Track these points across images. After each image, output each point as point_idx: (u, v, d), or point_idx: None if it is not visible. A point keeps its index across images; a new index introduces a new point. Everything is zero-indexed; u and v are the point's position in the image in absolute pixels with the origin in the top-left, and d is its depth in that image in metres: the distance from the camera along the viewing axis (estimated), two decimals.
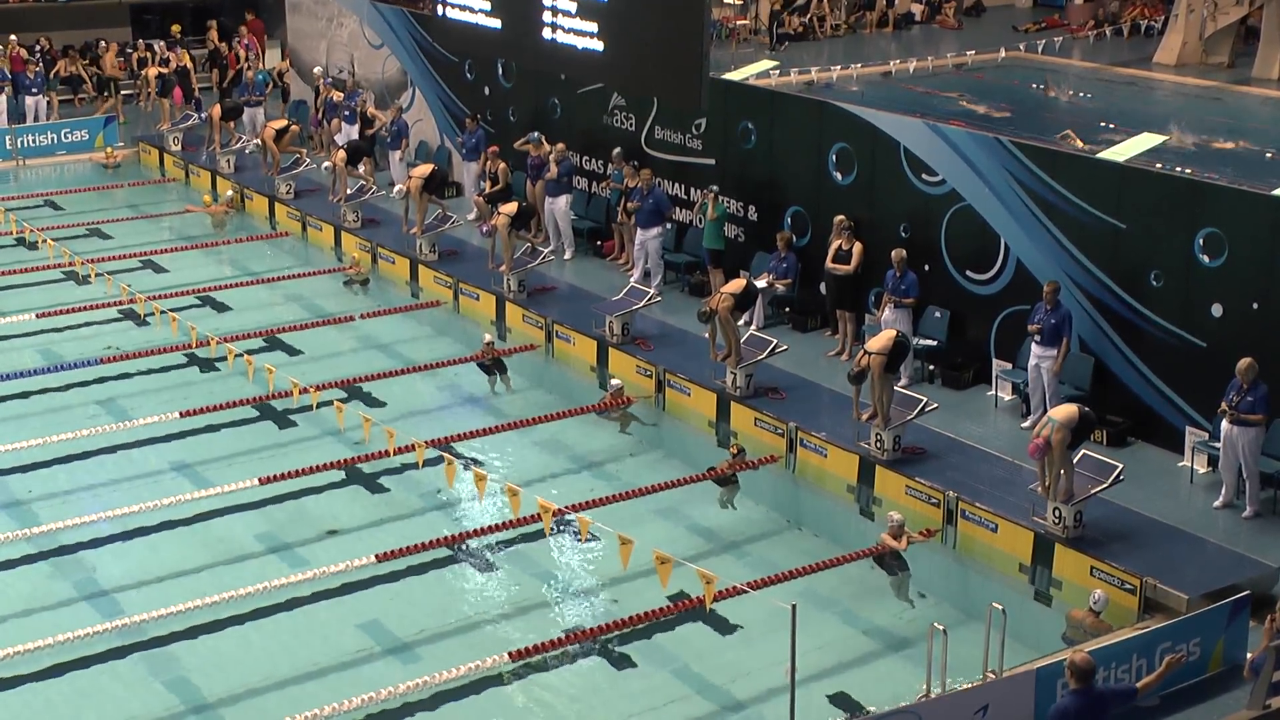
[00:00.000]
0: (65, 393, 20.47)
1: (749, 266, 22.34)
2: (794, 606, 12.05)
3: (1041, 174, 18.50)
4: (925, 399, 17.62)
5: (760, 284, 21.26)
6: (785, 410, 18.55)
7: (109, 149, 32.61)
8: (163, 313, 21.21)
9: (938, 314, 19.79)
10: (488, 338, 21.40)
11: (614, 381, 19.74)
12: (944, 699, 12.41)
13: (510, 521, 16.15)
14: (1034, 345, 17.73)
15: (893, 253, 19.55)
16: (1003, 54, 26.76)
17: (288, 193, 28.57)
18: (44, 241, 24.89)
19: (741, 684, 13.79)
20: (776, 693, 13.01)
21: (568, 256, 24.74)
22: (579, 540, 15.51)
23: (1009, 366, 18.80)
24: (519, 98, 27.20)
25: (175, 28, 37.56)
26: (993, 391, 18.68)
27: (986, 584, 15.23)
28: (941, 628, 12.75)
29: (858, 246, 20.24)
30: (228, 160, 30.50)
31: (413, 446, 16.91)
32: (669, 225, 23.21)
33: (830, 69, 25.13)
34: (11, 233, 25.96)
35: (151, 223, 27.89)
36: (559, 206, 24.77)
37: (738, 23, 28.63)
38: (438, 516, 17.07)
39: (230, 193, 29.52)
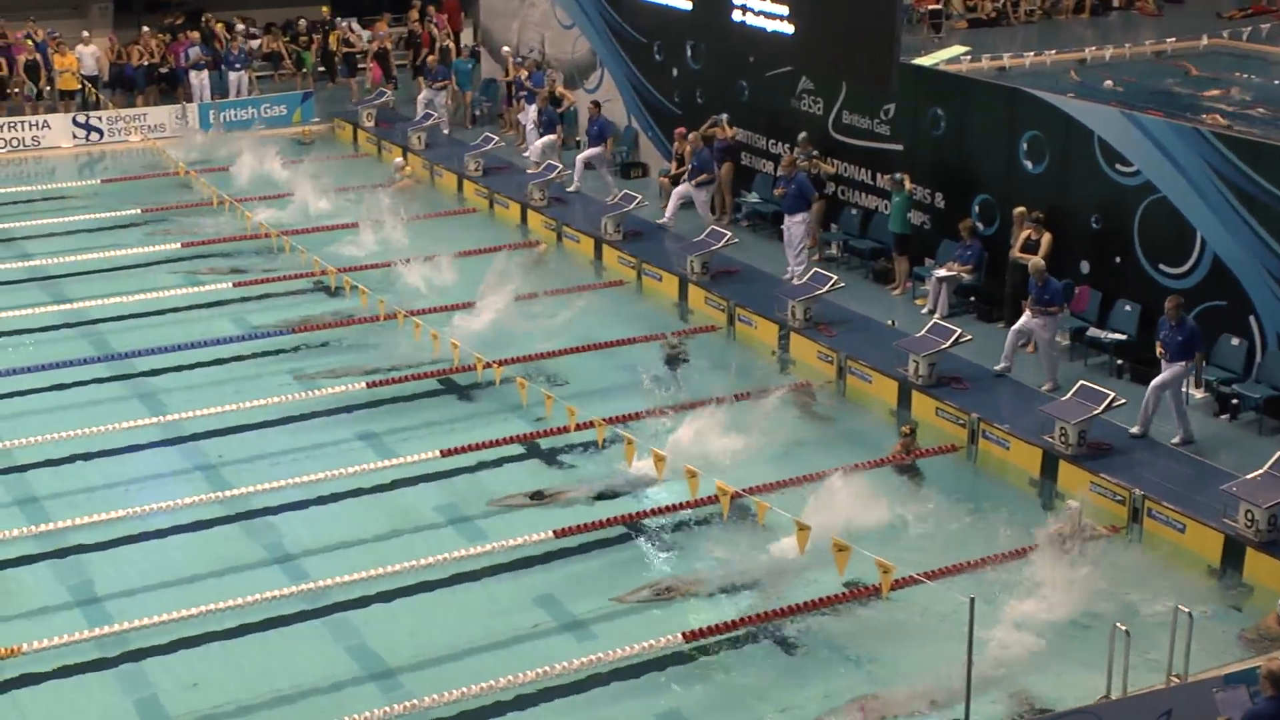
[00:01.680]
0: (257, 360, 20.95)
1: (934, 254, 22.06)
2: (972, 600, 11.83)
3: (1243, 166, 17.92)
4: (1113, 394, 17.21)
5: (944, 272, 20.99)
6: (968, 401, 18.27)
7: (305, 126, 33.35)
8: (353, 286, 21.59)
9: (1128, 308, 19.30)
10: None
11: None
12: (1125, 701, 12.11)
13: (688, 502, 16.14)
14: (1163, 364, 17.23)
15: (1030, 261, 19.17)
16: (1205, 41, 25.97)
17: (476, 170, 28.91)
18: (242, 214, 25.53)
19: (916, 677, 13.59)
20: (951, 688, 12.80)
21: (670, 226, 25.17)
22: (756, 524, 15.43)
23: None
24: (707, 80, 27.15)
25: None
26: (1184, 389, 18.18)
27: (1171, 585, 14.81)
28: (1124, 628, 12.44)
29: (1047, 237, 19.82)
30: (418, 137, 30.97)
31: (593, 424, 16.98)
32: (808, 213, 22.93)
33: (1023, 55, 24.63)
34: (212, 203, 26.63)
35: (342, 196, 28.41)
36: (699, 197, 24.85)
37: (928, 7, 28.20)
38: (614, 494, 17.09)
39: (399, 160, 30.05)
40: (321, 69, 36.29)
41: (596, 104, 28.54)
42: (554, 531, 15.92)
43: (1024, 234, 20.00)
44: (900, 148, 22.91)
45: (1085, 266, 20.05)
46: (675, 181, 25.58)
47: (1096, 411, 16.92)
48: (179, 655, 14.01)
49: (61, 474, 17.57)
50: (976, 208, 21.63)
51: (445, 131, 31.90)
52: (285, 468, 17.66)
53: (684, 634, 14.04)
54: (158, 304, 22.89)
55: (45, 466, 17.70)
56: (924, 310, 21.16)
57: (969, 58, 23.55)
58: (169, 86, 34.68)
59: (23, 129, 32.32)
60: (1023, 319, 18.96)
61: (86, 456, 17.93)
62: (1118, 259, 19.49)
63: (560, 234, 25.90)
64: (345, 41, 36.43)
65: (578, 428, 17.37)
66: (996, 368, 19.13)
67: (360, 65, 36.04)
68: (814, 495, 15.91)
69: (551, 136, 28.94)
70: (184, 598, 14.74)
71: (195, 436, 18.51)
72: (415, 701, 13.02)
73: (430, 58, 33.70)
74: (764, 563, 15.45)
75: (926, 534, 15.94)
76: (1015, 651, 13.79)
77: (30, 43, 33.58)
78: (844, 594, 14.62)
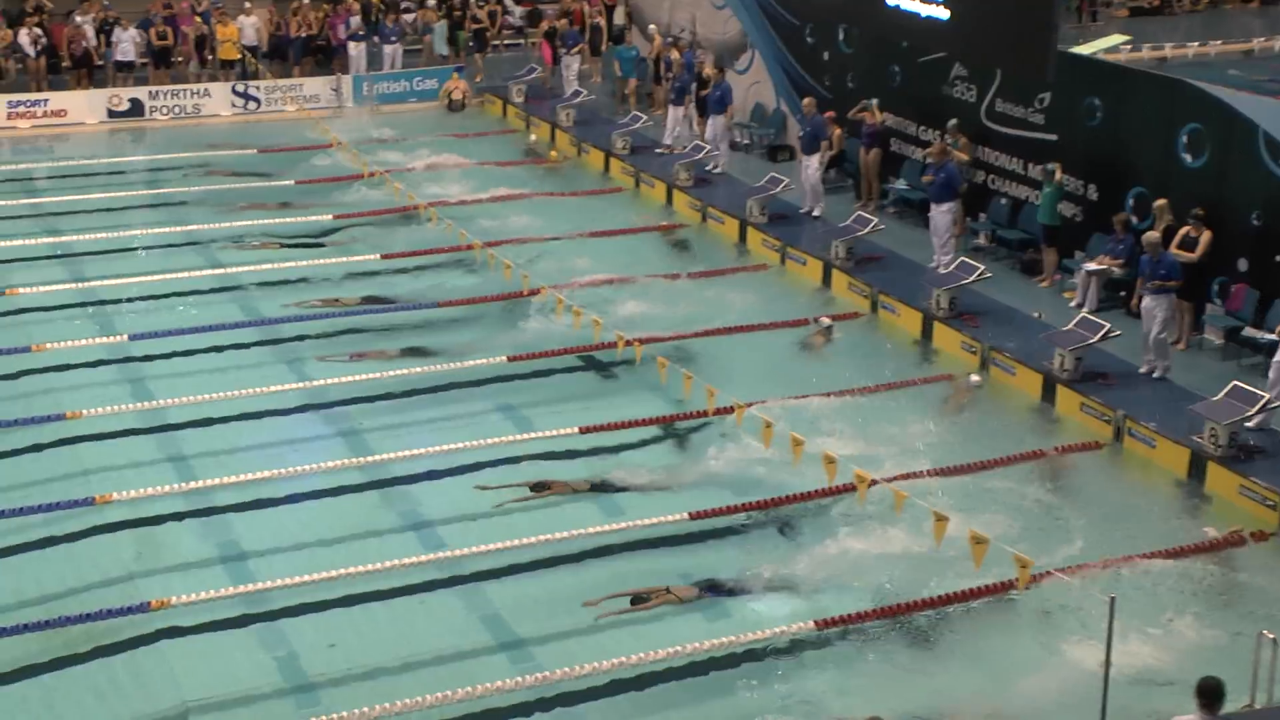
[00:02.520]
0: (398, 332, 21.16)
1: (1084, 246, 21.63)
2: (1112, 600, 11.56)
3: None
4: (1267, 395, 16.75)
5: (1094, 266, 20.58)
6: (1114, 397, 17.90)
7: (461, 88, 33.59)
8: (496, 260, 21.72)
9: None
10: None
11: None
12: (1270, 711, 11.78)
13: (825, 490, 15.97)
14: None
15: (1144, 236, 18.74)
16: None
17: (623, 148, 28.93)
18: (391, 184, 25.82)
19: (1050, 675, 13.33)
20: (1087, 689, 12.53)
21: (816, 213, 24.66)
22: (892, 514, 15.23)
23: None
24: (858, 64, 26.87)
25: None
26: None
27: None
28: (1271, 636, 12.09)
29: (1206, 234, 19.34)
30: (567, 114, 31.06)
31: (732, 408, 16.90)
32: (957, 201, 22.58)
33: (1186, 45, 24.03)
34: (362, 174, 26.96)
35: (489, 170, 28.59)
36: (810, 165, 24.62)
37: None
38: (751, 479, 16.98)
39: (534, 137, 30.19)
40: (471, 44, 36.56)
41: (720, 69, 28.46)
42: (689, 514, 15.87)
43: (1182, 230, 19.51)
44: (1054, 138, 22.46)
45: (1243, 264, 19.52)
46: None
47: (1249, 413, 16.48)
48: (318, 616, 14.20)
49: (210, 434, 17.90)
50: (1130, 201, 21.15)
51: (574, 95, 31.89)
52: (424, 436, 17.79)
53: (815, 622, 13.93)
54: (306, 271, 23.24)
55: (196, 426, 18.05)
56: (1072, 304, 20.76)
57: (1128, 47, 23.10)
58: (324, 58, 35.16)
59: (185, 96, 33.02)
60: (1143, 301, 18.60)
61: (235, 418, 18.26)
62: (1278, 257, 18.94)
63: (705, 214, 25.82)
64: (493, 16, 36.72)
65: (716, 411, 17.31)
66: (1141, 369, 18.72)
67: (494, 42, 36.28)
68: (952, 487, 15.68)
69: (718, 117, 28.78)
70: (323, 560, 14.93)
71: (338, 403, 18.74)
72: (546, 674, 13.07)
73: (560, 22, 33.84)
74: (898, 553, 15.27)
75: (1064, 530, 15.64)
76: (1153, 653, 13.47)
77: (197, 16, 34.32)
78: (980, 588, 14.37)
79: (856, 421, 17.83)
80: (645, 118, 29.95)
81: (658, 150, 28.62)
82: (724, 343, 20.73)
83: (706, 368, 19.53)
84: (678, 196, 26.72)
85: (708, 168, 27.29)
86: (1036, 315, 20.45)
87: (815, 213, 24.93)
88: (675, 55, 30.66)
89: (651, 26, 32.92)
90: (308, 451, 17.42)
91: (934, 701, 13.08)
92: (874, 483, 14.87)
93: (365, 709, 12.46)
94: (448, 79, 34.23)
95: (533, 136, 31.54)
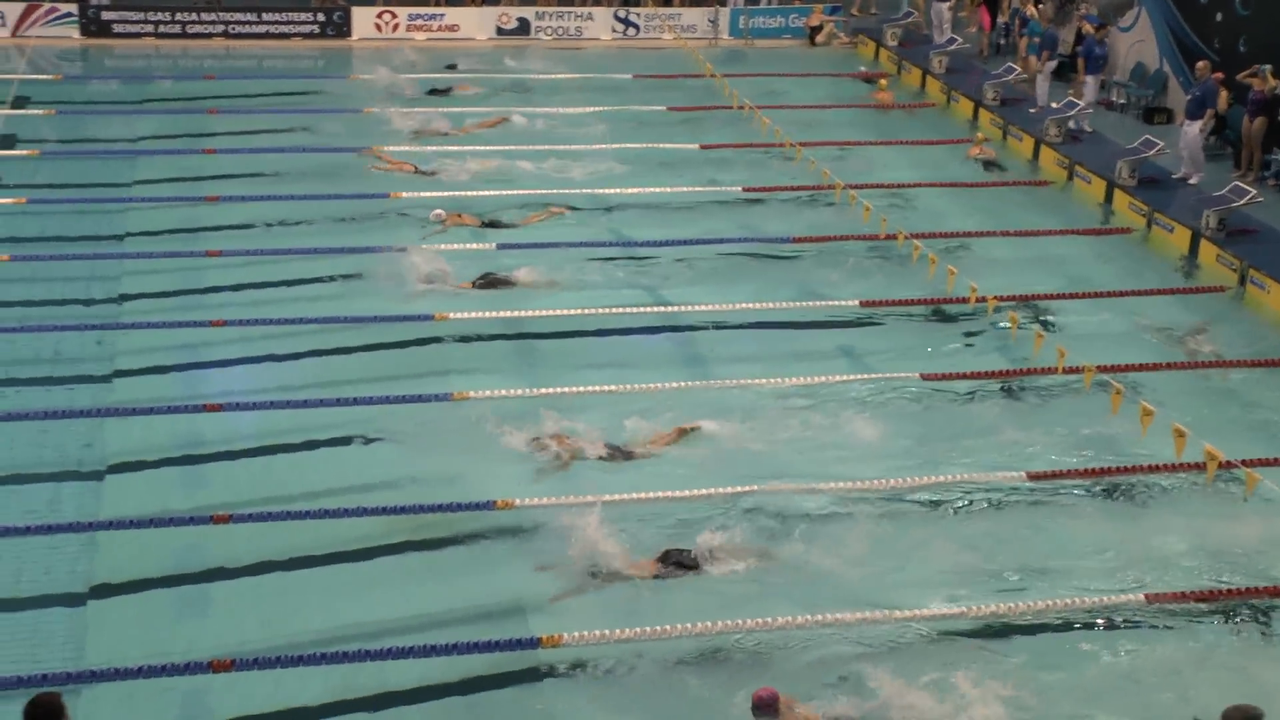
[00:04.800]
0: (758, 260, 21.19)
1: None
2: None
3: None
4: None
5: None
6: None
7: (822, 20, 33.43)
8: (858, 202, 21.56)
9: None
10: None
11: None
12: None
13: (1170, 465, 15.34)
14: None
15: None
16: None
17: (993, 99, 28.28)
18: (760, 120, 25.88)
19: None
20: None
21: (1193, 180, 23.62)
22: (1242, 496, 14.55)
23: None
24: (1254, 27, 25.47)
25: None
26: None
27: None
28: None
29: None
30: (939, 60, 30.52)
31: (1081, 369, 16.40)
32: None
33: None
34: (732, 107, 27.10)
35: (856, 113, 28.38)
36: (1192, 131, 23.64)
37: None
38: (1093, 445, 16.43)
39: (883, 81, 29.97)
40: None
41: (1102, 25, 27.42)
42: (1026, 474, 15.49)
43: None
44: None
45: None
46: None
47: None
48: None
49: (562, 345, 18.31)
50: None
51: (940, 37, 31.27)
52: (763, 366, 17.78)
53: (1146, 595, 13.45)
54: (672, 198, 23.54)
55: (551, 338, 18.50)
56: None
57: None
58: None
59: (568, 19, 33.78)
60: None
61: (589, 333, 18.63)
62: None
63: (1071, 172, 25.03)
64: None
65: (1065, 370, 16.82)
66: None
67: None
68: None
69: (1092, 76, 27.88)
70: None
71: (689, 327, 18.93)
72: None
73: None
74: (1241, 539, 14.55)
75: None
76: None
77: None
78: None
79: (1212, 397, 17.02)
80: (1018, 69, 29.16)
81: (1030, 110, 27.82)
82: (1079, 305, 20.10)
83: (1057, 328, 19.01)
84: (1045, 152, 25.97)
85: (1073, 125, 26.43)
86: None
87: (1192, 180, 23.86)
88: (1032, 12, 29.66)
89: None
90: (653, 370, 17.57)
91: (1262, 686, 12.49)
92: (1226, 464, 14.23)
93: None
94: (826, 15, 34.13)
95: (862, 67, 31.95)
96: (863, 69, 31.99)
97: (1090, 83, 26.89)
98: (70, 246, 20.44)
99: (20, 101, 26.33)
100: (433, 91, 28.80)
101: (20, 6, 31.55)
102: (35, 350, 17.53)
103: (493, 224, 21.88)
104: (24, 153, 24.17)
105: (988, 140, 26.71)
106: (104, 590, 13.08)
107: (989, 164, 25.80)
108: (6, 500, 14.35)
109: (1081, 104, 26.61)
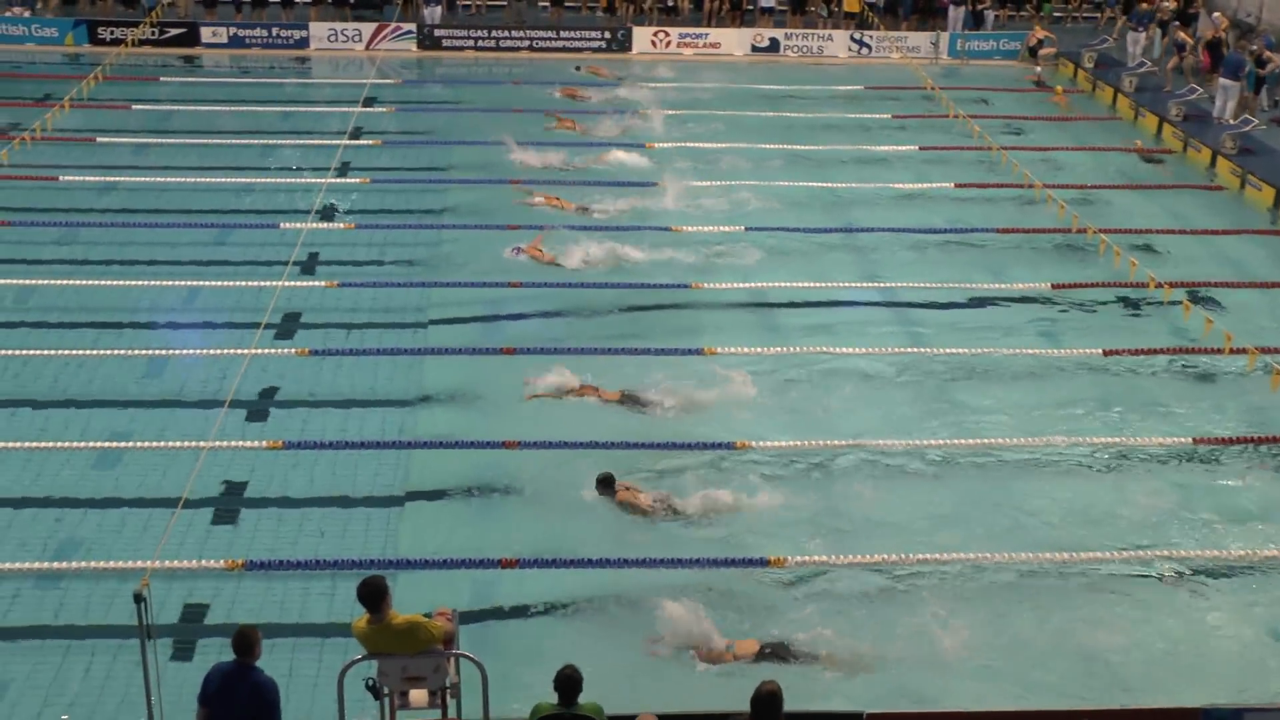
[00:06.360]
0: (960, 249, 20.50)
1: None
2: None
3: None
4: None
5: None
6: None
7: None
8: (1054, 200, 20.73)
9: None
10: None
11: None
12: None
13: None
14: None
15: None
16: None
17: (1177, 115, 26.82)
18: (970, 126, 25.08)
19: None
20: None
21: None
22: None
23: None
24: None
25: None
26: None
27: None
28: None
29: None
30: (1130, 80, 29.08)
31: (1245, 350, 15.48)
32: None
33: None
34: (948, 116, 26.36)
35: (1050, 125, 27.32)
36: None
37: None
38: (1254, 419, 15.52)
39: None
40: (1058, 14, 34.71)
41: (1245, 33, 25.65)
42: (1193, 439, 14.70)
43: None
44: None
45: None
46: None
47: None
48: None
49: (800, 314, 18.01)
50: None
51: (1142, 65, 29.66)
52: (967, 338, 17.28)
53: None
54: (891, 193, 22.98)
55: (790, 307, 18.22)
56: None
57: None
58: (928, 16, 34.38)
59: (811, 39, 33.25)
60: None
61: (824, 304, 18.27)
62: None
63: (1244, 181, 23.58)
64: None
65: (1231, 351, 15.90)
66: None
67: (1074, 14, 34.21)
68: None
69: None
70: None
71: (905, 304, 18.43)
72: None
73: (1144, 4, 31.52)
74: None
75: None
76: None
77: None
78: None
79: None
80: (1200, 89, 27.58)
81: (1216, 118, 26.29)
82: (1246, 294, 18.96)
83: (1227, 315, 17.99)
84: (1221, 163, 24.52)
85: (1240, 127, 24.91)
86: None
87: None
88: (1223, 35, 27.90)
89: (1216, 14, 30.12)
90: (864, 337, 17.22)
91: None
92: None
93: None
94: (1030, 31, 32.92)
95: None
96: (1044, 80, 30.68)
97: (1264, 99, 25.24)
98: (402, 219, 20.99)
99: (369, 101, 27.11)
100: None
101: (372, 26, 32.50)
102: (371, 300, 18.05)
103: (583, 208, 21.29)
104: (369, 142, 24.87)
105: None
106: (415, 495, 13.42)
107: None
108: (345, 421, 14.84)
109: (1256, 120, 25.04)
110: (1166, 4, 31.75)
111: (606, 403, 15.10)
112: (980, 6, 33.62)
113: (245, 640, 8.81)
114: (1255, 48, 27.10)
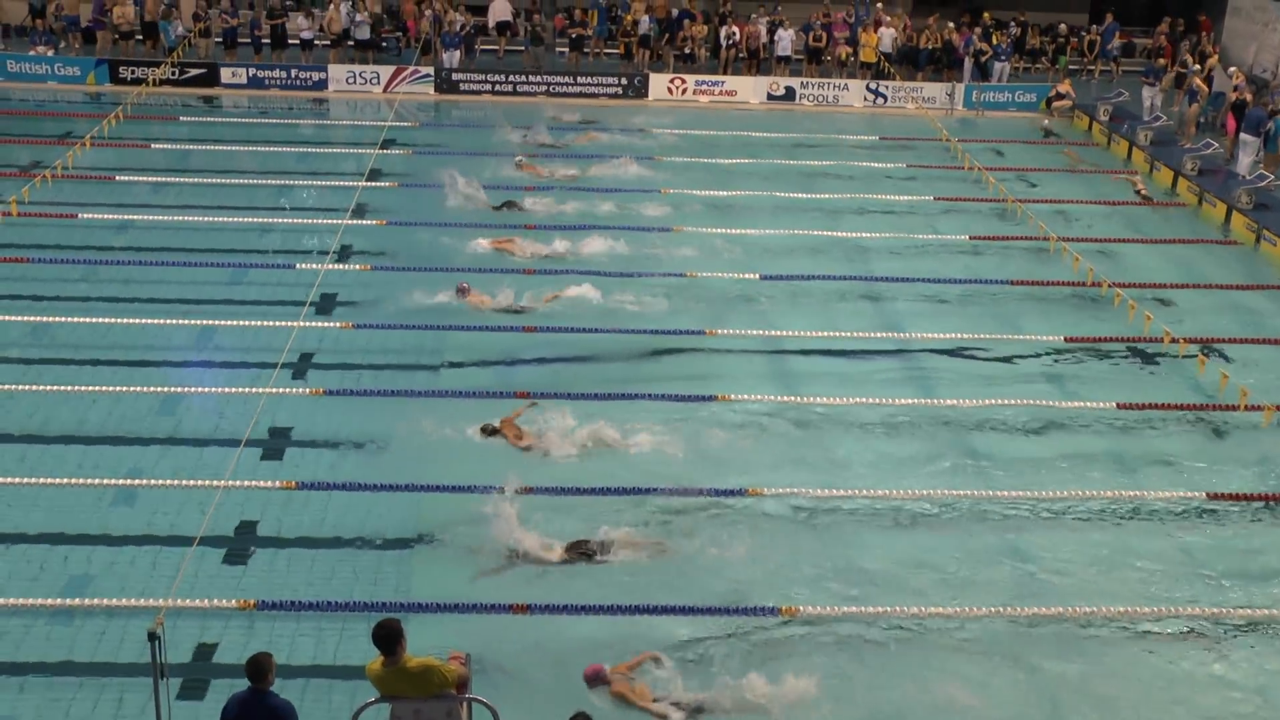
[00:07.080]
0: (976, 299, 20.58)
1: None
2: None
3: None
4: None
5: None
6: None
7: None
8: (1069, 253, 20.81)
9: None
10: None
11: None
12: None
13: None
14: None
15: None
16: None
17: (1192, 169, 26.98)
18: (985, 178, 25.22)
19: None
20: None
21: None
22: None
23: None
24: None
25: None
26: None
27: None
28: None
29: None
30: (1145, 134, 29.27)
31: (1260, 407, 15.53)
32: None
33: None
34: (963, 168, 26.50)
35: (1063, 177, 27.46)
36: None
37: None
38: (1271, 474, 15.53)
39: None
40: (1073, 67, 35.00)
41: (1260, 88, 25.81)
42: (1206, 494, 14.73)
43: None
44: None
45: None
46: None
47: None
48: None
49: (811, 361, 18.15)
50: None
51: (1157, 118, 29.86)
52: (980, 389, 17.31)
53: None
54: (905, 242, 23.10)
55: (803, 354, 18.33)
56: None
57: None
58: (944, 68, 34.67)
59: (828, 89, 33.51)
60: None
61: (836, 353, 18.38)
62: None
63: (1259, 236, 23.69)
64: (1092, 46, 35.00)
65: (1247, 408, 15.93)
66: None
67: (1089, 67, 34.50)
68: None
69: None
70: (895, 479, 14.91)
71: (918, 352, 18.50)
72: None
73: (1160, 60, 31.77)
74: None
75: None
76: None
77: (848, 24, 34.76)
78: None
79: None
80: (1216, 144, 27.76)
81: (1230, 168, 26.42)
82: (1261, 350, 18.98)
83: (1242, 370, 18.03)
84: (1236, 217, 24.64)
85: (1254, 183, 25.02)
86: None
87: None
88: (1249, 96, 28.13)
89: (1232, 69, 30.34)
90: (878, 386, 17.32)
91: None
92: None
93: None
94: (1047, 92, 33.06)
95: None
96: (1053, 130, 30.92)
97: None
98: (418, 260, 21.08)
99: (387, 144, 27.35)
100: None
101: (390, 69, 32.86)
102: (384, 341, 18.13)
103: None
104: (386, 185, 25.08)
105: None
106: (427, 538, 13.48)
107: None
108: (359, 462, 14.89)
109: (1271, 175, 25.19)
110: (1188, 60, 31.98)
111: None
112: (984, 59, 33.86)
113: (259, 667, 8.90)
114: (1265, 101, 27.27)
